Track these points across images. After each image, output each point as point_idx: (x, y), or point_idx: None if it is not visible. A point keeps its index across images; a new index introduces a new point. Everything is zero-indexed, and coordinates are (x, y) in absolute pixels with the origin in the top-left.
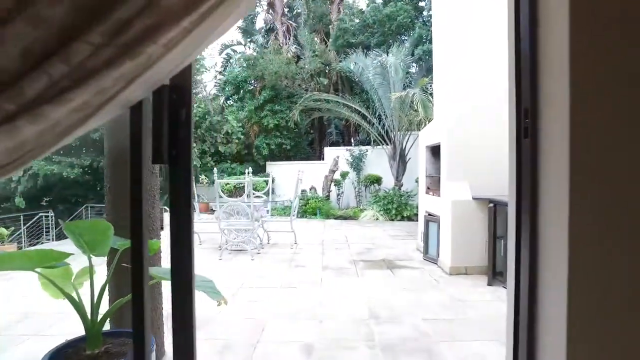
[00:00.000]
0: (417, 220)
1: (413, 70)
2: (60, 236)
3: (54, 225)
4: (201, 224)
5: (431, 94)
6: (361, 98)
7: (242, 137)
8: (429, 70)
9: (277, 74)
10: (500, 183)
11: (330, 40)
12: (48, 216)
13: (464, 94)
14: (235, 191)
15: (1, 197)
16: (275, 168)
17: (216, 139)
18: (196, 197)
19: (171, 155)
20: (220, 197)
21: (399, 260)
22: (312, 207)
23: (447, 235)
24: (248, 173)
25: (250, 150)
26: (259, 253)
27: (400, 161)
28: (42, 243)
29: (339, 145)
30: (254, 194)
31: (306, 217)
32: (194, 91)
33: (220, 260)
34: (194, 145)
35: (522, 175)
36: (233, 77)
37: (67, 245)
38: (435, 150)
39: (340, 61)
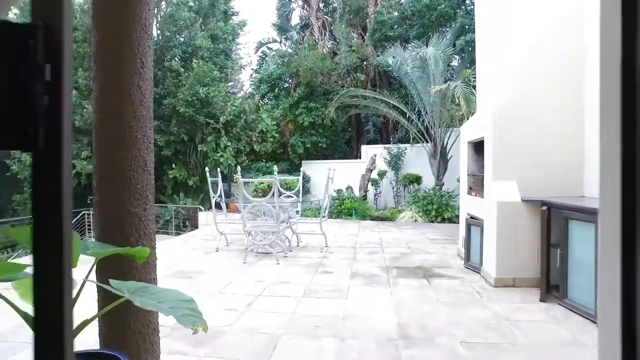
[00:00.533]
0: (458, 223)
1: (455, 63)
2: None
3: (93, 224)
4: (229, 224)
5: (474, 87)
6: (400, 94)
7: (277, 135)
8: (472, 63)
9: (312, 70)
10: (556, 182)
11: (367, 34)
12: (90, 214)
13: (513, 77)
14: (269, 190)
15: None
16: (311, 167)
17: (251, 137)
18: (223, 197)
19: (28, 136)
20: (245, 197)
21: (436, 267)
22: (347, 208)
23: (492, 242)
24: (275, 172)
25: (286, 149)
26: (285, 256)
27: (441, 159)
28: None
29: (377, 143)
30: (284, 193)
31: (341, 217)
32: (232, 90)
33: (245, 263)
34: (229, 144)
35: (637, 162)
36: (268, 74)
37: None
38: (478, 146)
39: (378, 55)
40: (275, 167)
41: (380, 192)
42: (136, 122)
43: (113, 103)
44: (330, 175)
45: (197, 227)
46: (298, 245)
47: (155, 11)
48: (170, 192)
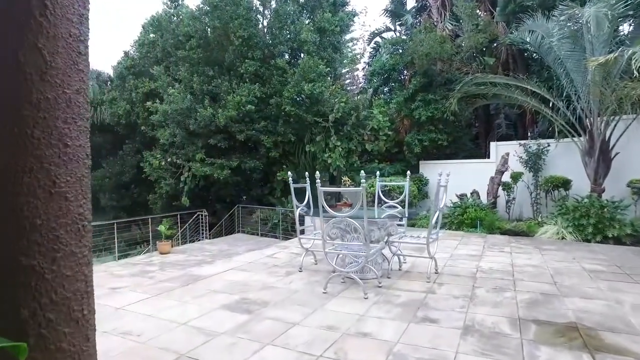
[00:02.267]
0: (630, 245)
1: (625, 28)
2: (216, 234)
3: (207, 224)
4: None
5: None
6: (540, 77)
7: (390, 133)
8: None
9: (429, 56)
10: None
11: (497, 9)
12: (205, 215)
13: None
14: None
15: (172, 197)
16: (429, 168)
17: (363, 136)
18: (311, 206)
19: None
20: (324, 209)
21: (607, 329)
22: (471, 217)
23: None
24: (362, 177)
25: (401, 148)
26: (379, 286)
27: (601, 157)
28: (198, 240)
29: (510, 139)
30: (386, 202)
31: (463, 229)
32: (344, 86)
33: (324, 293)
34: (339, 144)
35: None
36: (380, 66)
37: (219, 245)
38: None
39: (511, 32)
40: (362, 172)
41: (513, 198)
42: (33, 111)
43: None
44: (442, 182)
45: (303, 232)
46: (400, 269)
47: (262, 9)
48: (279, 195)
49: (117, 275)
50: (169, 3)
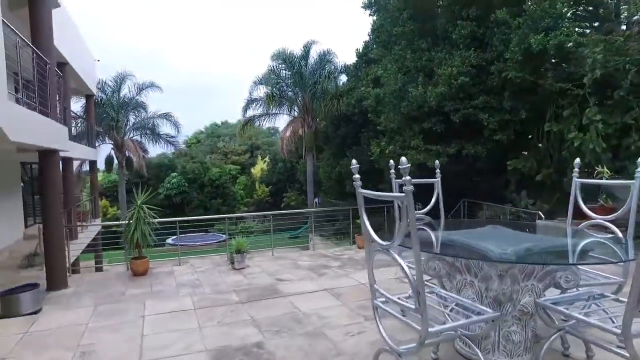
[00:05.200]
0: None
1: None
2: (443, 229)
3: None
4: None
5: None
6: None
7: None
8: None
9: None
10: None
11: None
12: (467, 203)
13: None
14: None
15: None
16: None
17: None
18: (445, 210)
19: None
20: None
21: None
22: None
23: None
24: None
25: None
26: None
27: None
28: None
29: None
30: (593, 218)
31: None
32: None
33: None
34: (598, 117)
35: None
36: None
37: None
38: None
39: None
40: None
41: None
42: None
43: None
44: None
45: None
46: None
47: None
48: (513, 188)
49: (297, 266)
50: None
